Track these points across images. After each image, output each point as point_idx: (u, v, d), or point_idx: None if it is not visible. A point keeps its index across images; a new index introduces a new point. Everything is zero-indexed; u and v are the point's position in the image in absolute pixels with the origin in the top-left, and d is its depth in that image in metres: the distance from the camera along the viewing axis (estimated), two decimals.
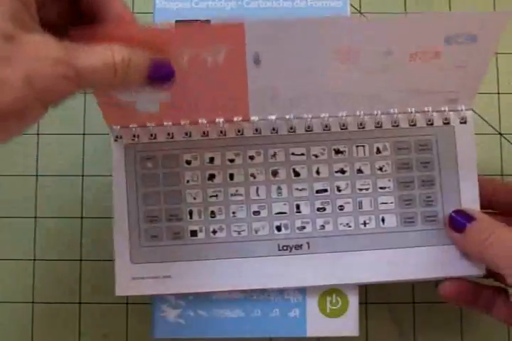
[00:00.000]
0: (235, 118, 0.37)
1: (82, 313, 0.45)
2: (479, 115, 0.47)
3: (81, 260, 0.46)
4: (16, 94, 0.24)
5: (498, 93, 0.47)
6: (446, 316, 0.45)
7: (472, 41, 0.33)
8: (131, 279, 0.36)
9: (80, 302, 0.45)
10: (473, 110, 0.37)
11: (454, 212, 0.36)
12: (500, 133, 0.47)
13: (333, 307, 0.37)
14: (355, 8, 0.49)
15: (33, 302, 0.45)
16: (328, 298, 0.37)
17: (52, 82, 0.25)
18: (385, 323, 0.45)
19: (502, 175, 0.47)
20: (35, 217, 0.46)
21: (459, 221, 0.35)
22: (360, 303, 0.38)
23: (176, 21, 0.40)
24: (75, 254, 0.46)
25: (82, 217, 0.46)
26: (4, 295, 0.46)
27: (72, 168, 0.48)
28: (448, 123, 0.37)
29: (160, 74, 0.30)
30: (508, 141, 0.47)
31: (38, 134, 0.48)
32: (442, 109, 0.37)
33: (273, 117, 0.36)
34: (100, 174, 0.47)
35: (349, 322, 0.37)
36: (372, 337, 0.45)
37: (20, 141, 0.46)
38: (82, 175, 0.48)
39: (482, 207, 0.37)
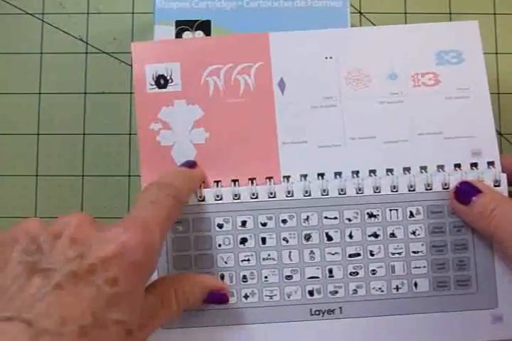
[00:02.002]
0: (267, 182, 0.36)
1: None
2: None
3: None
4: None
5: (498, 93, 0.47)
6: None
7: (460, 60, 0.38)
8: None
9: None
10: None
11: (460, 184, 0.36)
12: (500, 133, 0.47)
13: None
14: (355, 8, 0.48)
15: None
16: None
17: None
18: None
19: None
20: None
21: (465, 193, 0.35)
22: None
23: (176, 21, 0.40)
24: None
25: None
26: None
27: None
28: None
29: (216, 301, 0.34)
30: (508, 140, 0.47)
31: (38, 134, 0.48)
32: (471, 161, 0.37)
33: (304, 172, 0.37)
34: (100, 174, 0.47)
35: None
36: None
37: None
38: (82, 175, 0.47)
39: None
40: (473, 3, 0.48)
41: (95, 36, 0.44)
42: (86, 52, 0.48)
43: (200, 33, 0.40)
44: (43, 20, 0.48)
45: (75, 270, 0.26)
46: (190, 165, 0.36)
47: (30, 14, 0.48)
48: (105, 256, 0.27)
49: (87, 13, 0.48)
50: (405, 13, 0.48)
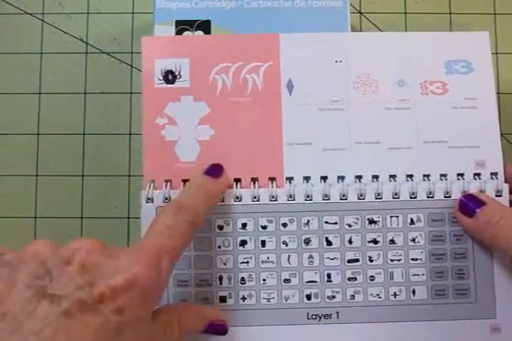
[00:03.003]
0: (269, 184, 0.36)
1: None
2: None
3: None
4: None
5: (498, 93, 0.47)
6: None
7: (470, 70, 0.38)
8: None
9: None
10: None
11: (464, 197, 0.36)
12: (500, 133, 0.47)
13: None
14: (355, 8, 0.48)
15: None
16: None
17: None
18: None
19: None
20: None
21: (470, 206, 0.35)
22: None
23: (176, 21, 0.40)
24: None
25: (82, 217, 0.46)
26: None
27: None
28: None
29: (215, 332, 0.34)
30: (508, 141, 0.47)
31: (38, 134, 0.48)
32: (475, 172, 0.37)
33: (307, 174, 0.37)
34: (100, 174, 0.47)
35: None
36: None
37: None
38: (82, 175, 0.47)
39: None
40: (473, 3, 0.48)
41: (95, 36, 0.44)
42: (86, 52, 0.48)
43: (200, 33, 0.41)
44: (43, 20, 0.48)
45: (84, 298, 0.26)
46: (217, 174, 0.36)
47: (30, 14, 0.48)
48: (115, 286, 0.26)
49: (87, 13, 0.48)
50: (405, 13, 0.48)
